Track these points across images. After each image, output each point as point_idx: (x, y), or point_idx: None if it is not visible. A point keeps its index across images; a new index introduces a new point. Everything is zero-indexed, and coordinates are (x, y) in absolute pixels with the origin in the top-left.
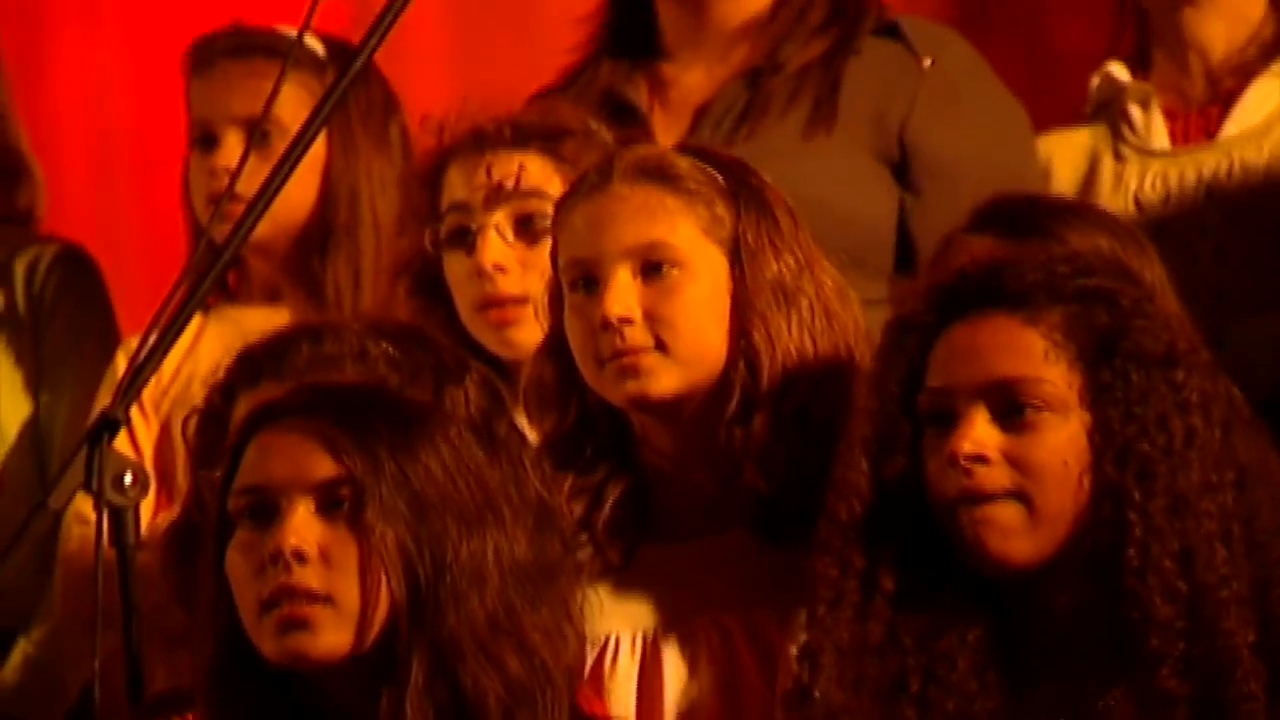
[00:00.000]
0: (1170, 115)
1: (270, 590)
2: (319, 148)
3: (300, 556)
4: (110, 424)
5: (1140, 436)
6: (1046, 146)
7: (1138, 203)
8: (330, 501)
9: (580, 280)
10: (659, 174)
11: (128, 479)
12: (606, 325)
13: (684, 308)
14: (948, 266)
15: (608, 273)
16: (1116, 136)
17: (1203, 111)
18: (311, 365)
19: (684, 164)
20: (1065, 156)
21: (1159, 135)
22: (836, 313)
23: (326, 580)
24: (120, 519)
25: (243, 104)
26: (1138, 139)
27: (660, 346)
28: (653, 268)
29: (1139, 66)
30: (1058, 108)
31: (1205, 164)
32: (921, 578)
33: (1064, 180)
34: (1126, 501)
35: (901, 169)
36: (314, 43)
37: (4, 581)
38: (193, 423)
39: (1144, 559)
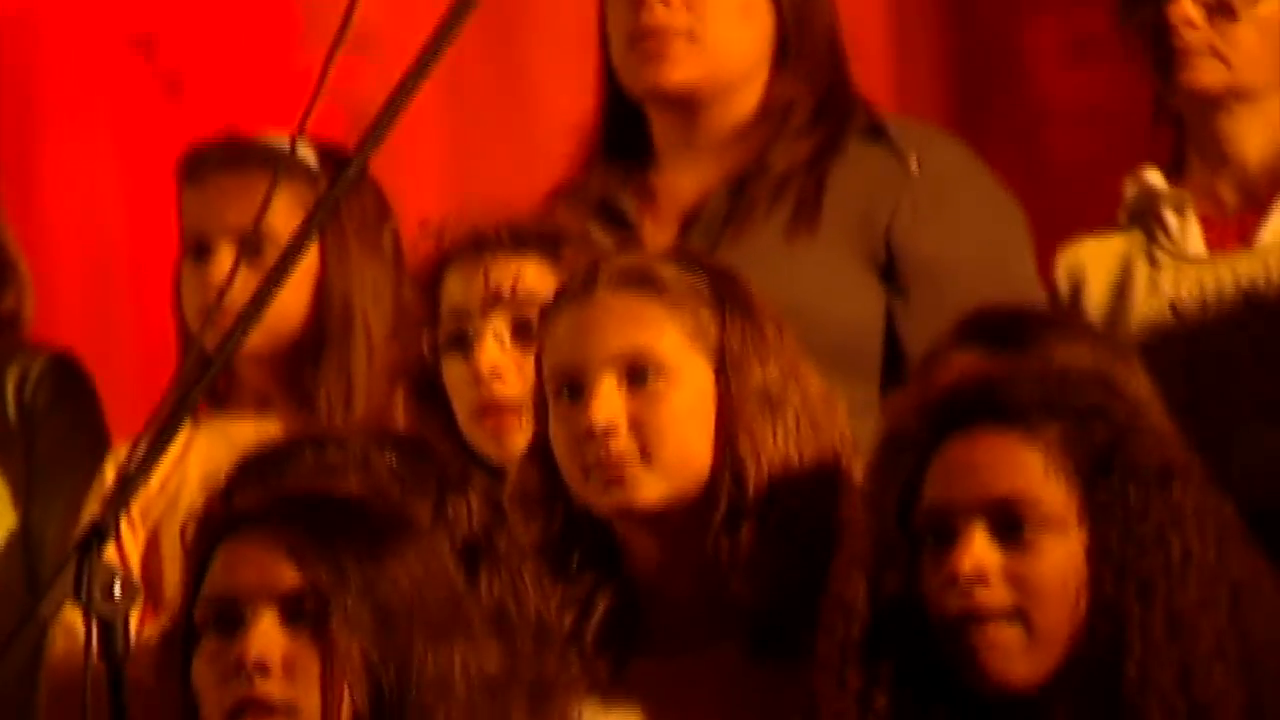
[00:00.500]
0: (1206, 222)
1: (234, 701)
2: (312, 256)
3: (263, 667)
4: (99, 533)
5: (1139, 555)
6: (1080, 254)
7: (1174, 309)
8: (295, 612)
9: (565, 388)
10: (644, 281)
11: (117, 588)
12: (591, 434)
13: (669, 417)
14: (934, 380)
15: (592, 381)
16: (1151, 242)
17: (1239, 218)
18: (315, 474)
19: (669, 271)
20: (1099, 264)
21: (1195, 241)
22: (822, 420)
23: (289, 691)
24: (109, 629)
25: (237, 216)
26: (1173, 245)
27: (645, 456)
28: (638, 376)
29: (1174, 173)
30: (1054, 216)
31: (1242, 270)
32: (918, 697)
33: (1098, 287)
34: (1126, 619)
35: (889, 272)
36: (306, 152)
37: None
38: (190, 528)
39: (1143, 677)
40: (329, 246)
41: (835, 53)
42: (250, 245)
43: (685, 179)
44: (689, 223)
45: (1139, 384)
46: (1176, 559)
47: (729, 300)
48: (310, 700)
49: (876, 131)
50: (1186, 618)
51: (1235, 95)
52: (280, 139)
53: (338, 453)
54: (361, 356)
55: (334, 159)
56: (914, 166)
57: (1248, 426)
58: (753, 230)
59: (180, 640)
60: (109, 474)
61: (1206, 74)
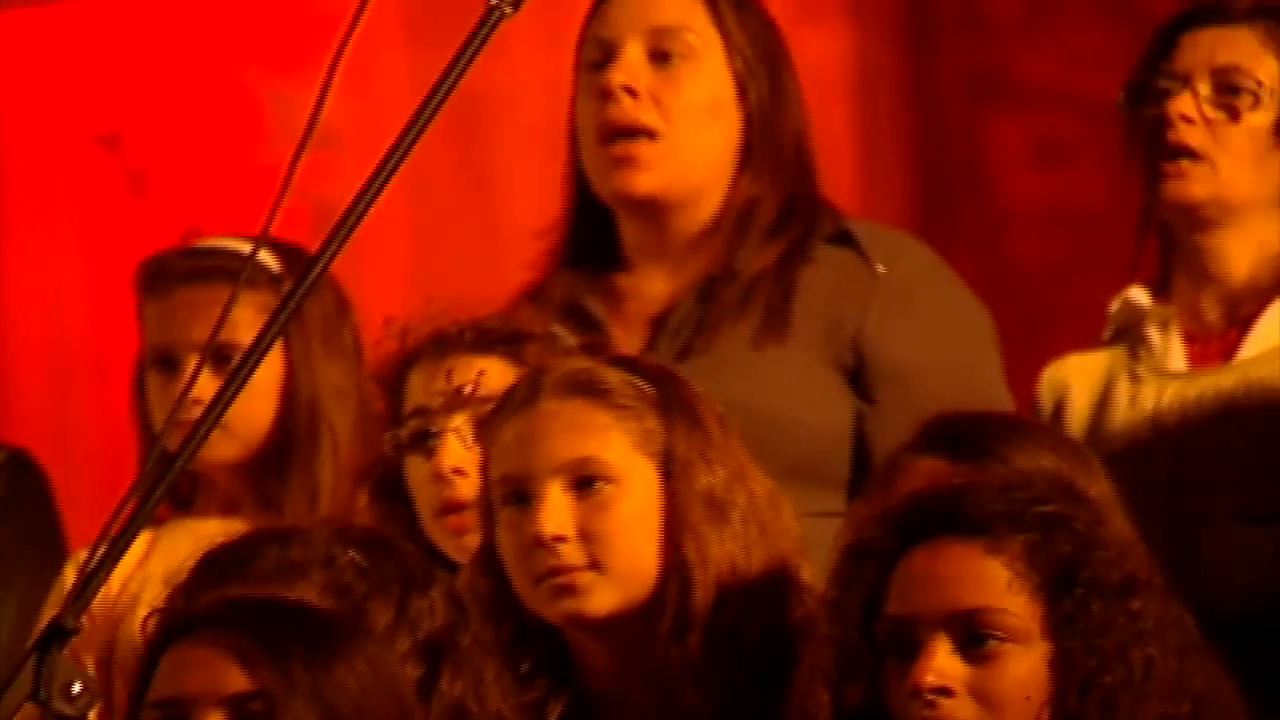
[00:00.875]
0: (1189, 339)
1: None
2: (276, 360)
3: None
4: (59, 632)
5: (1102, 668)
6: (1064, 369)
7: (1154, 422)
8: (242, 715)
9: (512, 495)
10: (588, 388)
11: (76, 688)
12: (540, 543)
13: (618, 524)
14: (895, 488)
15: (540, 489)
16: (1134, 358)
17: (1222, 336)
18: (277, 571)
19: (613, 377)
20: (1082, 380)
21: (1176, 358)
22: (769, 522)
23: None
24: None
25: (201, 331)
26: (1155, 360)
27: (594, 565)
28: (584, 484)
29: (1159, 290)
30: (1020, 319)
31: (1223, 384)
32: None
33: (1080, 402)
34: None
35: (857, 377)
36: (269, 258)
37: None
38: (151, 623)
39: None
40: (293, 349)
41: (802, 155)
42: (217, 356)
43: (653, 282)
44: (658, 327)
45: (1101, 489)
46: (1138, 672)
47: (674, 404)
48: None
49: (843, 236)
50: None
51: (1221, 208)
52: (241, 243)
53: (302, 549)
54: (328, 458)
55: (297, 259)
56: (881, 271)
57: (1219, 528)
58: (722, 336)
59: None
60: (69, 576)
61: (1195, 184)
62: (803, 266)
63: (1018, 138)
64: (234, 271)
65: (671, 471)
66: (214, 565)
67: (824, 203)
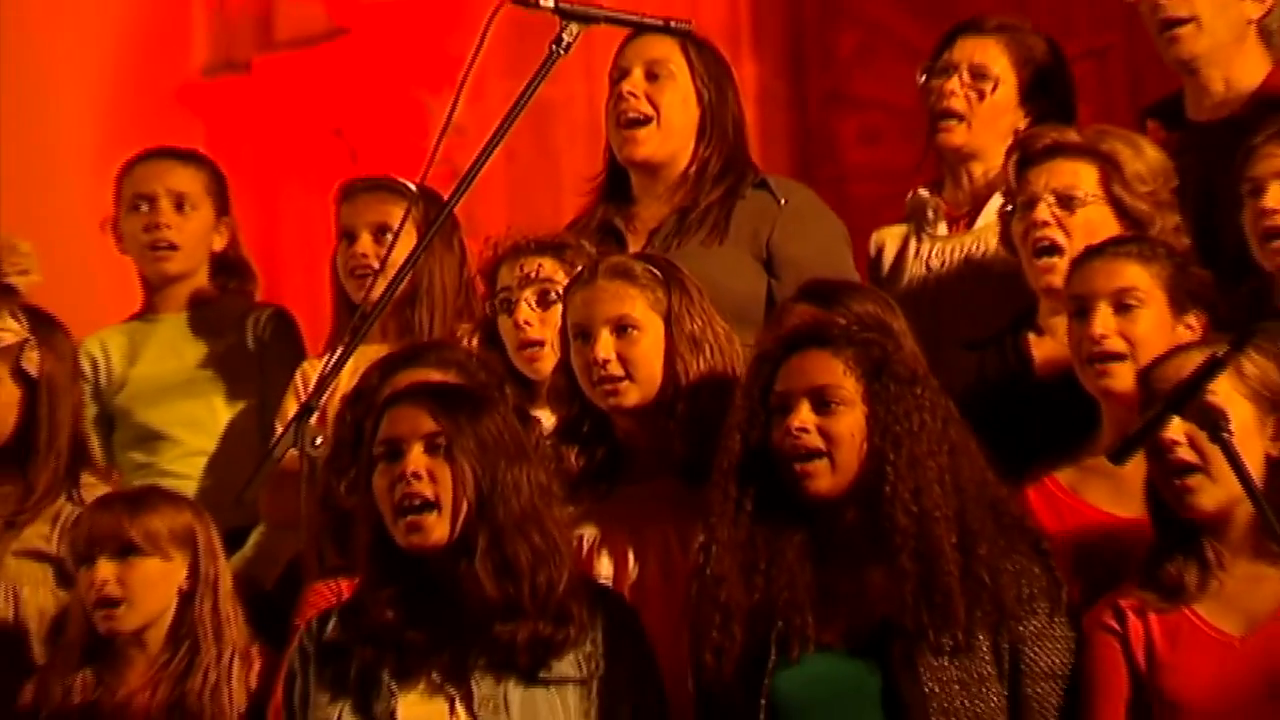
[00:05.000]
0: (949, 218)
1: (399, 498)
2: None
3: (417, 476)
4: (307, 409)
5: (894, 423)
6: (883, 234)
7: (928, 266)
8: (433, 446)
9: (580, 335)
10: (624, 273)
11: (318, 440)
12: (596, 363)
13: (640, 354)
14: (783, 322)
15: (595, 332)
16: (919, 227)
17: (968, 216)
18: (439, 364)
19: (637, 266)
20: (891, 242)
21: (942, 228)
22: (725, 350)
23: (432, 491)
24: (313, 463)
25: (374, 217)
26: (930, 229)
27: (627, 376)
28: (621, 329)
29: (933, 190)
30: (852, 229)
31: (965, 242)
32: (768, 504)
33: (889, 251)
34: (885, 460)
35: (769, 265)
36: (420, 192)
37: (248, 500)
38: (352, 399)
39: (894, 493)
40: (431, 247)
41: (738, 135)
42: (379, 231)
43: (650, 210)
44: (653, 235)
45: (900, 324)
46: (916, 426)
47: (672, 282)
48: (445, 497)
49: (762, 183)
50: (920, 460)
51: (971, 148)
52: (409, 183)
53: (450, 354)
54: (440, 305)
55: (436, 197)
56: (783, 204)
57: (953, 350)
58: (689, 241)
59: (365, 468)
60: (298, 380)
61: (955, 135)
62: (737, 200)
63: (851, 128)
64: (397, 190)
65: (670, 322)
66: (397, 360)
67: (750, 163)
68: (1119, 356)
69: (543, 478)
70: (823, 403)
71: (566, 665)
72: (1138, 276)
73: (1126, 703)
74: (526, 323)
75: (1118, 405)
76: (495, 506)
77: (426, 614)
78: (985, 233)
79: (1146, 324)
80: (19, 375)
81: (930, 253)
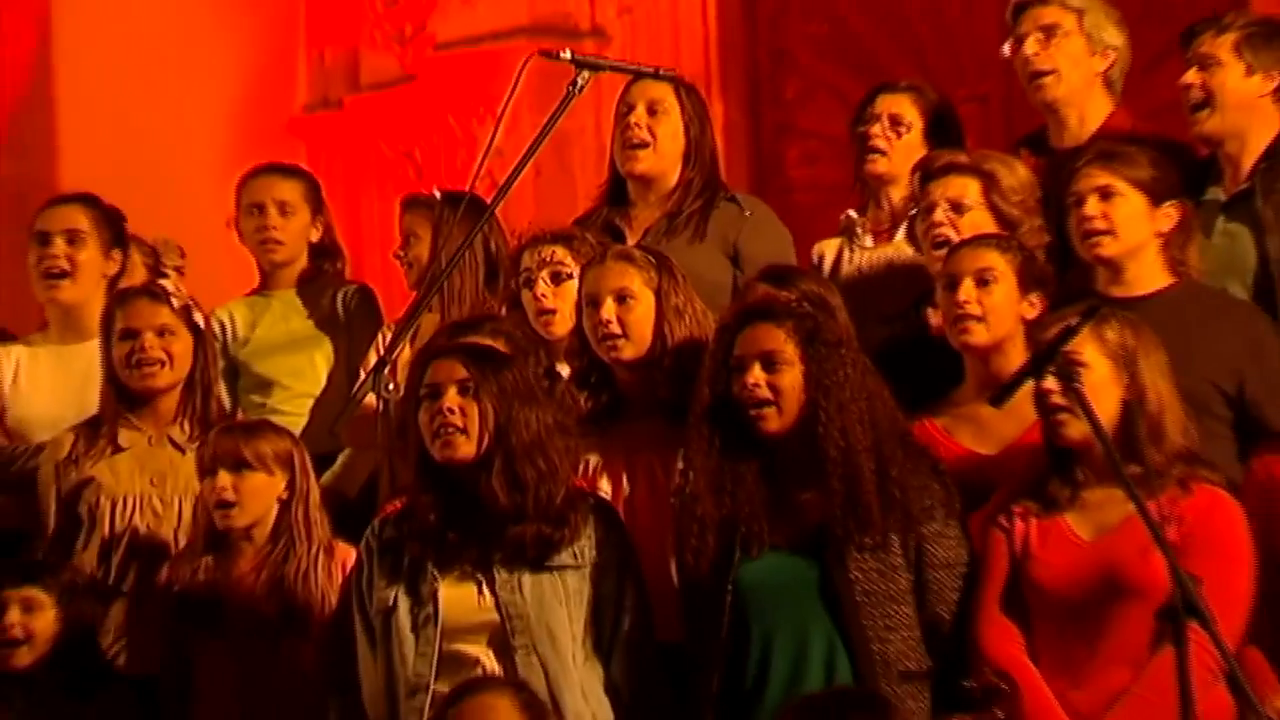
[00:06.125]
0: (875, 232)
1: (436, 425)
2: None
3: (451, 410)
4: (383, 363)
5: (825, 377)
6: (822, 246)
7: (859, 270)
8: (464, 389)
9: (590, 303)
10: (626, 257)
11: (390, 387)
12: (600, 324)
13: (636, 318)
14: (744, 299)
15: (601, 300)
16: (851, 242)
17: (889, 231)
18: (491, 333)
19: (637, 253)
20: (829, 252)
21: (868, 240)
22: (701, 321)
23: (462, 422)
24: (388, 404)
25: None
26: (859, 241)
27: (624, 335)
28: (621, 299)
29: (861, 211)
30: (797, 235)
31: (886, 252)
32: (731, 439)
33: (828, 260)
34: (819, 406)
35: (735, 260)
36: (466, 202)
37: (337, 432)
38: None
39: (826, 431)
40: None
41: (714, 161)
42: (423, 202)
43: (644, 214)
44: (646, 234)
45: (836, 301)
46: (841, 379)
47: (662, 267)
48: (471, 427)
49: (732, 199)
50: (845, 405)
51: (889, 176)
52: (459, 195)
53: (500, 325)
54: (470, 284)
55: (480, 202)
56: (748, 214)
57: (875, 323)
58: (675, 239)
59: (411, 408)
60: (379, 341)
61: (879, 164)
62: (713, 210)
63: (795, 152)
64: (429, 204)
65: (660, 296)
66: (457, 327)
67: (722, 182)
68: (977, 319)
69: (549, 418)
70: (770, 363)
71: (566, 556)
72: (995, 260)
73: (1005, 582)
74: (543, 295)
75: (974, 357)
76: (509, 436)
77: (459, 519)
78: (902, 244)
79: (998, 296)
80: (192, 327)
81: (861, 260)
